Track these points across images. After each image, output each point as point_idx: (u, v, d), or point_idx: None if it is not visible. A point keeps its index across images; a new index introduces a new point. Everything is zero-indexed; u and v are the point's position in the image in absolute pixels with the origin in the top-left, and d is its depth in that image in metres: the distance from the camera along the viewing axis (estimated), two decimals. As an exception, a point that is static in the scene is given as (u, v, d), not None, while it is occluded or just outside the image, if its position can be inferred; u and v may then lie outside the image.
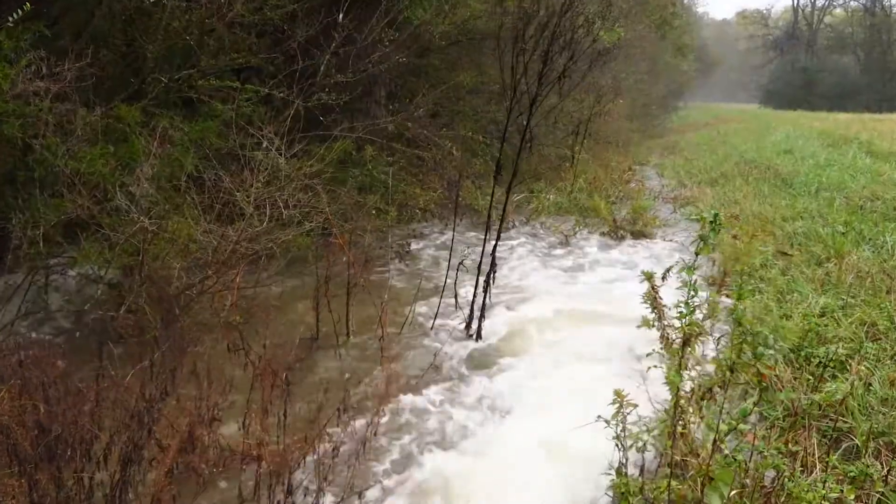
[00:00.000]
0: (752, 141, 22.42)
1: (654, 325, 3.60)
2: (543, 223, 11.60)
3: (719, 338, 3.88)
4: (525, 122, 5.99)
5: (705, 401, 3.71)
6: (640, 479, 3.22)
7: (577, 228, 10.85)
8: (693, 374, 3.81)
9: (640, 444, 3.13)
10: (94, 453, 3.24)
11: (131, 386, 3.44)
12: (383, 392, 4.64)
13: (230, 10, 7.21)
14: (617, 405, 3.25)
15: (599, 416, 3.21)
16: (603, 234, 10.87)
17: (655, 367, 3.76)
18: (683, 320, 3.12)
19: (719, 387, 3.71)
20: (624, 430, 3.14)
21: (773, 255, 7.86)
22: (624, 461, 3.20)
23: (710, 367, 3.83)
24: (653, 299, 3.51)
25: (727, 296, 5.93)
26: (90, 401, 3.27)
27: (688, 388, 3.72)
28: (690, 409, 3.60)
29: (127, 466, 3.18)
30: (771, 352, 2.86)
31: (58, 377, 3.27)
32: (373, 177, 9.28)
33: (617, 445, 3.17)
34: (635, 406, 3.36)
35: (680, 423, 3.37)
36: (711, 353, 4.31)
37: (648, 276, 3.58)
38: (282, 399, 3.82)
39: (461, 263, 6.36)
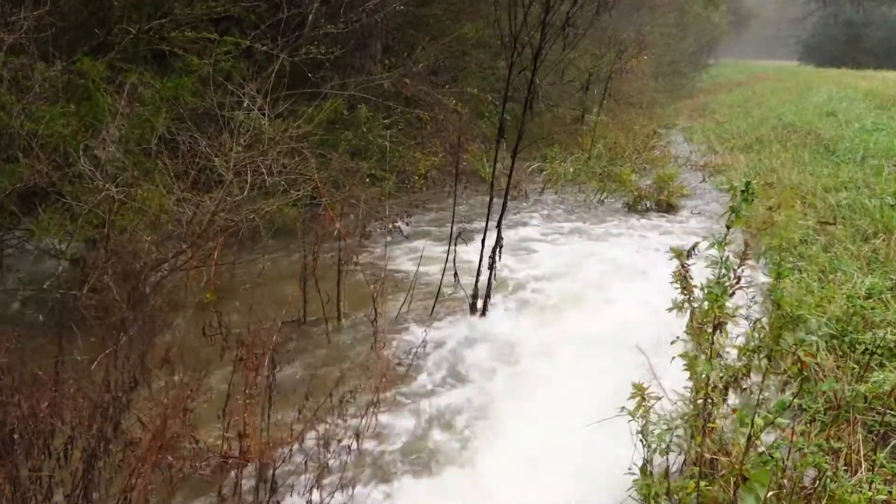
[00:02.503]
0: (791, 102, 22.27)
1: (684, 309, 3.55)
2: (558, 193, 11.56)
3: (755, 321, 3.83)
4: (529, 78, 5.88)
5: (730, 391, 3.67)
6: (665, 480, 3.19)
7: (601, 197, 10.85)
8: (719, 362, 3.78)
9: (665, 441, 3.10)
10: (54, 449, 3.21)
11: (95, 374, 3.40)
12: (379, 381, 4.61)
13: (206, -49, 7.11)
14: (638, 399, 3.21)
15: (623, 408, 3.18)
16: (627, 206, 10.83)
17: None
18: (713, 302, 3.07)
19: (743, 376, 3.68)
20: (647, 425, 3.10)
21: (815, 229, 7.80)
22: (648, 459, 3.17)
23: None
24: (682, 279, 3.45)
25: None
26: (49, 390, 3.23)
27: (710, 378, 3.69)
28: (717, 402, 3.57)
29: (91, 463, 3.15)
30: (813, 337, 2.81)
31: (12, 364, 3.23)
32: (367, 140, 9.20)
33: (641, 441, 3.14)
34: (658, 398, 3.33)
35: (708, 417, 3.34)
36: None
37: (678, 254, 3.52)
38: (265, 387, 3.78)
39: (459, 236, 6.30)
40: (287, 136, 6.46)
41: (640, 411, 3.14)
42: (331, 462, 3.74)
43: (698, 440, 3.14)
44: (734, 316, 3.55)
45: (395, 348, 5.55)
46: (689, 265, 3.66)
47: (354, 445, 3.89)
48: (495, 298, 6.36)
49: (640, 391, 3.22)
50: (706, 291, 3.10)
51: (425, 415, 4.63)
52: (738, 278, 3.32)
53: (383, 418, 4.49)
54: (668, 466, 3.32)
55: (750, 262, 6.78)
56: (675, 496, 3.09)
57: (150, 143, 5.92)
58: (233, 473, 3.67)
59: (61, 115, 5.53)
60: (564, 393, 4.74)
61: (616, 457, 3.44)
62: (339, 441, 3.80)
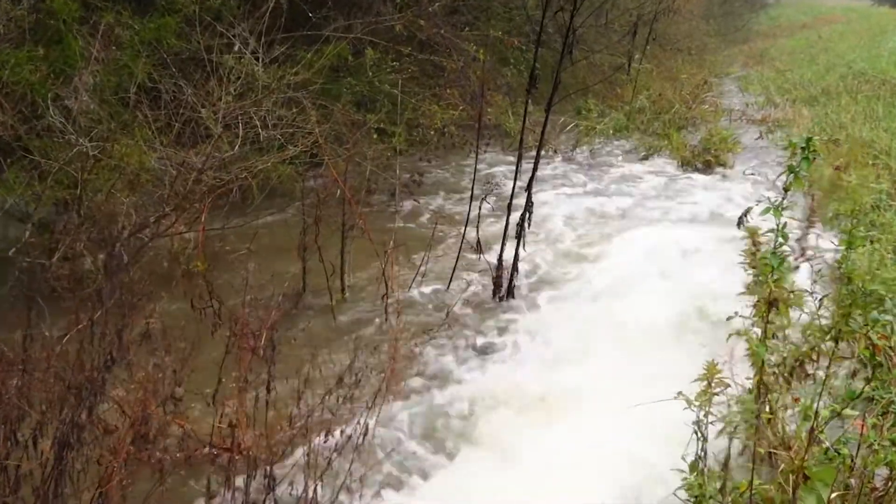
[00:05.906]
0: (862, 48, 21.98)
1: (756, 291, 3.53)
2: (593, 151, 11.52)
3: (822, 298, 3.78)
4: (568, 20, 5.79)
5: (794, 378, 3.63)
6: (721, 473, 3.17)
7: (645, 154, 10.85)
8: (780, 344, 3.74)
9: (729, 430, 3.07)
10: (21, 436, 3.22)
11: (68, 352, 3.41)
12: (389, 364, 4.59)
13: None
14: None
15: (680, 393, 3.14)
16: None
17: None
18: (768, 275, 3.01)
19: (813, 360, 3.62)
20: (707, 414, 3.07)
21: (890, 193, 7.70)
22: (702, 454, 3.15)
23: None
24: (752, 257, 3.41)
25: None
26: (16, 370, 3.24)
27: (773, 362, 3.64)
28: (777, 390, 3.53)
29: (63, 452, 3.16)
30: (888, 317, 2.76)
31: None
32: (375, 89, 9.13)
33: (696, 434, 3.12)
34: (727, 386, 3.28)
35: (766, 406, 3.30)
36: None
37: (751, 232, 3.48)
38: (263, 370, 3.78)
39: (484, 199, 6.25)
40: (284, 85, 6.43)
41: (704, 399, 3.10)
42: (335, 456, 3.73)
43: (752, 432, 3.10)
44: (793, 292, 3.50)
45: (405, 327, 5.53)
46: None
47: (361, 438, 3.89)
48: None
49: (712, 372, 3.16)
50: (762, 264, 3.05)
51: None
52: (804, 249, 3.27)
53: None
54: (727, 458, 3.30)
55: (815, 230, 6.75)
56: (728, 496, 3.06)
57: (129, 93, 5.91)
58: (224, 468, 3.67)
59: (28, 59, 5.53)
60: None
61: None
62: (344, 433, 3.80)
